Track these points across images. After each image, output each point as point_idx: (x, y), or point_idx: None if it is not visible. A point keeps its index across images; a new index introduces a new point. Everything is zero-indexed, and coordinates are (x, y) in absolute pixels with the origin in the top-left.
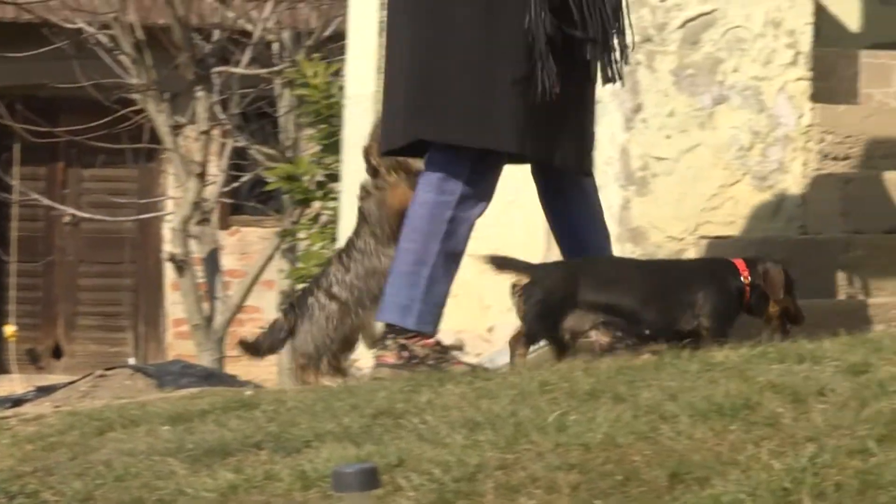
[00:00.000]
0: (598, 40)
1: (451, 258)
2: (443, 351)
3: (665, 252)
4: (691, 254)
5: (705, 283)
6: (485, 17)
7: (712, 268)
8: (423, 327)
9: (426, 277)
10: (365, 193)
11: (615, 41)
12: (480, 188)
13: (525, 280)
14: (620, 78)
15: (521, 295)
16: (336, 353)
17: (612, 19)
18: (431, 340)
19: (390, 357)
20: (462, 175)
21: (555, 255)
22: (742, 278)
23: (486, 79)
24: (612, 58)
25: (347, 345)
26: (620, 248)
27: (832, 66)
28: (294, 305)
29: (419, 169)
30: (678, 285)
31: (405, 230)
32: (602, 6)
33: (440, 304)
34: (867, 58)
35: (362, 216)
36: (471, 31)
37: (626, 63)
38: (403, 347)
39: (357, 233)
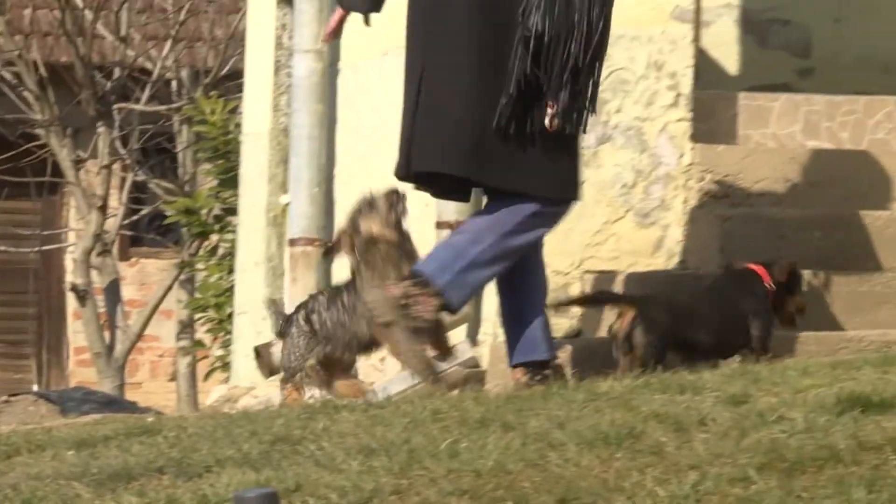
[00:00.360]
0: (561, 87)
1: (502, 253)
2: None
3: (552, 286)
4: (576, 288)
5: (747, 298)
6: None
7: (745, 281)
8: (448, 294)
9: (474, 255)
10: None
11: (582, 90)
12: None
13: (631, 311)
14: (581, 126)
15: (636, 325)
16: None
17: (584, 70)
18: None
19: (395, 289)
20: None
21: None
22: (766, 284)
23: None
24: (577, 106)
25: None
26: None
27: (712, 107)
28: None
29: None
30: (729, 305)
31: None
32: (571, 56)
33: (473, 287)
34: (745, 100)
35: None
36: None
37: (593, 112)
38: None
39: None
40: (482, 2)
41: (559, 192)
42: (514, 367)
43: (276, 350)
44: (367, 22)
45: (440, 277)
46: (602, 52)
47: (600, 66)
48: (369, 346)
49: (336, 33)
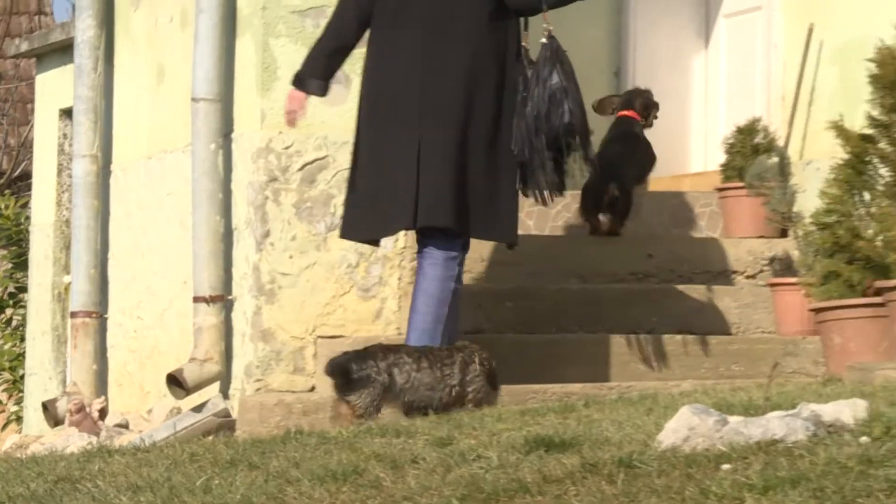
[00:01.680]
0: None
1: (450, 315)
2: None
3: (290, 349)
4: (310, 351)
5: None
6: None
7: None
8: None
9: (440, 332)
10: None
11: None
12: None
13: None
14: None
15: None
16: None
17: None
18: None
19: None
20: (461, 257)
21: None
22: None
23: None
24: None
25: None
26: (253, 347)
27: None
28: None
29: None
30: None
31: (421, 297)
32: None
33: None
34: None
35: None
36: None
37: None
38: None
39: None
40: (468, 84)
41: (515, 237)
42: None
43: (61, 404)
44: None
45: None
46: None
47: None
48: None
49: (304, 112)
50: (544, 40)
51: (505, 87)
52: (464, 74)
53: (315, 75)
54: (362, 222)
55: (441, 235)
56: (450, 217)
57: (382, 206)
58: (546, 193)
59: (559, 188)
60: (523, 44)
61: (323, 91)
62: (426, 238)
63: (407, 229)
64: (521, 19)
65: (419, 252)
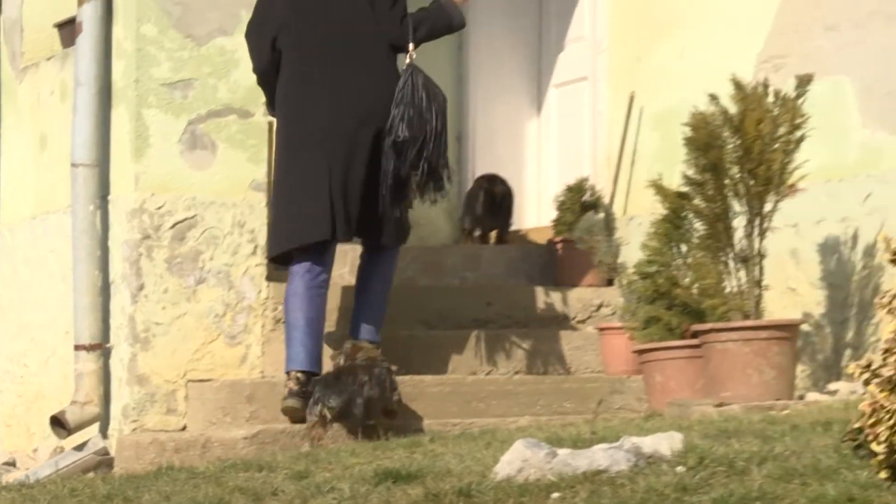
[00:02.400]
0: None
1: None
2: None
3: (163, 392)
4: (181, 394)
5: None
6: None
7: None
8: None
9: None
10: None
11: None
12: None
13: None
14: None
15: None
16: None
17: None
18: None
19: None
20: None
21: None
22: None
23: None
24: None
25: None
26: (129, 390)
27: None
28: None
29: None
30: None
31: (384, 289)
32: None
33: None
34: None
35: None
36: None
37: (440, 189)
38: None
39: None
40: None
41: (405, 240)
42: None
43: None
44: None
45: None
46: (444, 149)
47: (445, 157)
48: None
49: None
50: (409, 61)
51: None
52: (366, 98)
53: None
54: (284, 239)
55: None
56: (362, 230)
57: (301, 222)
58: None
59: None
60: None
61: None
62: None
63: (324, 239)
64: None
65: (370, 249)
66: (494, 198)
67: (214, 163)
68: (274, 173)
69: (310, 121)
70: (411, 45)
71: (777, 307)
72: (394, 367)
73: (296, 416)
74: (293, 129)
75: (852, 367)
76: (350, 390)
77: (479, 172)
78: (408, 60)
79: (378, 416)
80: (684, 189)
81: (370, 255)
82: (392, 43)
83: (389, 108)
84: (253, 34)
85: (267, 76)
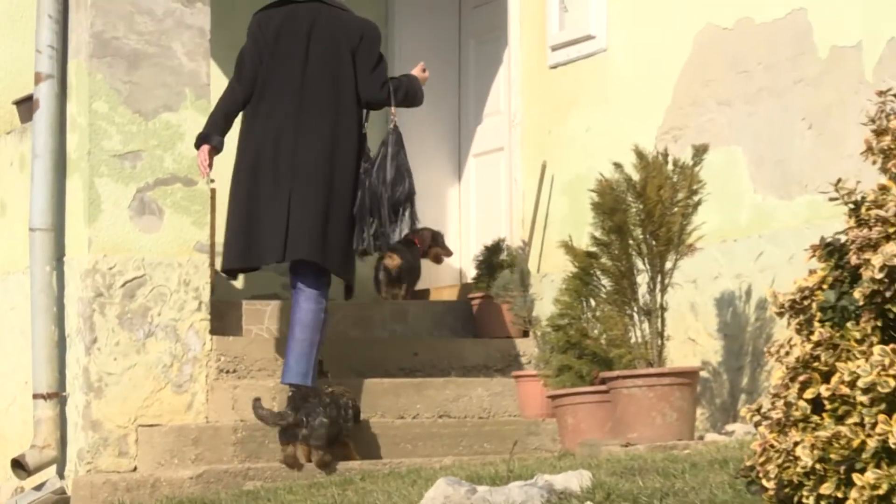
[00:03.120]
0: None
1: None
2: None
3: (115, 436)
4: (132, 438)
5: None
6: None
7: None
8: (314, 384)
9: (314, 355)
10: None
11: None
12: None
13: None
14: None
15: None
16: None
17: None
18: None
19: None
20: (327, 291)
21: None
22: None
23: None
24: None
25: None
26: (84, 435)
27: (224, 310)
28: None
29: None
30: None
31: (298, 326)
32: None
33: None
34: (247, 305)
35: None
36: None
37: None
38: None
39: None
40: (332, 150)
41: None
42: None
43: None
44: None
45: (307, 381)
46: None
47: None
48: None
49: (209, 165)
50: (392, 126)
51: (360, 156)
52: (329, 141)
53: (215, 132)
54: (237, 256)
55: (311, 274)
56: (316, 254)
57: (256, 242)
58: (374, 245)
59: (386, 245)
60: (364, 130)
61: (220, 146)
62: (298, 277)
63: (278, 262)
64: (364, 111)
65: (293, 289)
66: (390, 272)
67: (161, 227)
68: (231, 197)
69: (273, 150)
70: (393, 108)
71: (678, 356)
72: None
73: None
74: (257, 157)
75: (745, 411)
76: (312, 410)
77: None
78: (391, 125)
79: (334, 441)
80: (592, 249)
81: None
82: (367, 100)
83: (348, 145)
84: (247, 63)
85: (236, 105)
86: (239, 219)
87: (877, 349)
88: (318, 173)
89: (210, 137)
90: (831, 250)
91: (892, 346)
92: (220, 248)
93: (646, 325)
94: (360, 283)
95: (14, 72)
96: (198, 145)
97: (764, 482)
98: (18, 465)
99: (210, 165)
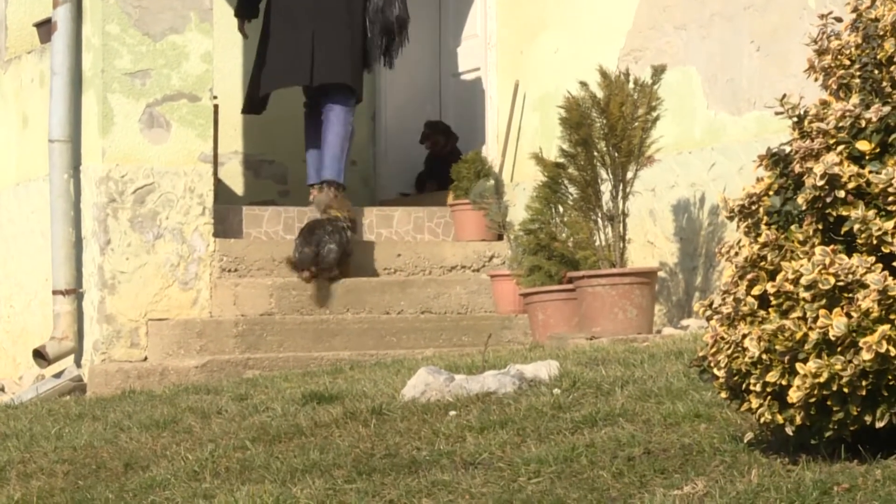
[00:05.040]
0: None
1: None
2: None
3: (127, 329)
4: (143, 331)
5: None
6: None
7: None
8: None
9: (345, 161)
10: None
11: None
12: None
13: None
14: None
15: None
16: None
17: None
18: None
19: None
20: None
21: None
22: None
23: None
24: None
25: None
26: (99, 328)
27: (226, 215)
28: None
29: None
30: None
31: (331, 136)
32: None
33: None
34: (247, 210)
35: None
36: None
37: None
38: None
39: None
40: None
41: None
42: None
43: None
44: (243, 29)
45: (340, 175)
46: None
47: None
48: None
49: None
50: None
51: None
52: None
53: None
54: (270, 81)
55: (340, 94)
56: (347, 76)
57: (286, 68)
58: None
59: (391, 64)
60: None
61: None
62: (328, 98)
63: (306, 84)
64: None
65: (323, 108)
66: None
67: (168, 139)
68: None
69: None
70: None
71: (638, 257)
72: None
73: None
74: (283, 5)
75: (698, 306)
76: (320, 240)
77: (392, 146)
78: None
79: (341, 264)
80: (560, 160)
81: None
82: None
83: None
84: None
85: None
86: (270, 51)
87: (818, 250)
88: (336, 13)
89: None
90: (777, 160)
91: (832, 247)
92: (222, 158)
93: (609, 230)
94: (349, 191)
95: None
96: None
97: (715, 371)
98: (39, 356)
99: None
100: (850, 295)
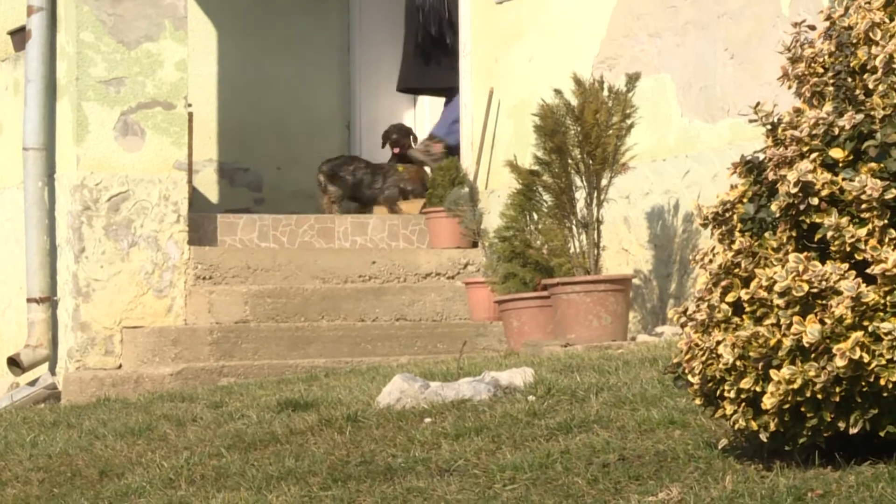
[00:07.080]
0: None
1: None
2: None
3: (102, 337)
4: (118, 339)
5: None
6: None
7: None
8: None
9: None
10: None
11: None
12: None
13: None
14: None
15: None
16: None
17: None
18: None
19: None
20: None
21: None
22: None
23: None
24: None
25: None
26: (73, 335)
27: (201, 223)
28: None
29: None
30: None
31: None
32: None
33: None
34: (221, 218)
35: None
36: None
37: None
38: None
39: None
40: None
41: None
42: None
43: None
44: None
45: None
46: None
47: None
48: None
49: None
50: None
51: None
52: None
53: None
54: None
55: None
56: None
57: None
58: None
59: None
60: None
61: None
62: None
63: None
64: None
65: None
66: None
67: (143, 146)
68: None
69: None
70: None
71: (613, 264)
72: None
73: None
74: None
75: (672, 313)
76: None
77: (367, 154)
78: None
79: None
80: (535, 167)
81: None
82: None
83: None
84: None
85: None
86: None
87: (792, 257)
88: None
89: None
90: (751, 167)
91: (805, 254)
92: (197, 166)
93: (583, 237)
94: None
95: (8, 4)
96: None
97: (689, 378)
98: (14, 363)
99: None
100: (824, 302)
